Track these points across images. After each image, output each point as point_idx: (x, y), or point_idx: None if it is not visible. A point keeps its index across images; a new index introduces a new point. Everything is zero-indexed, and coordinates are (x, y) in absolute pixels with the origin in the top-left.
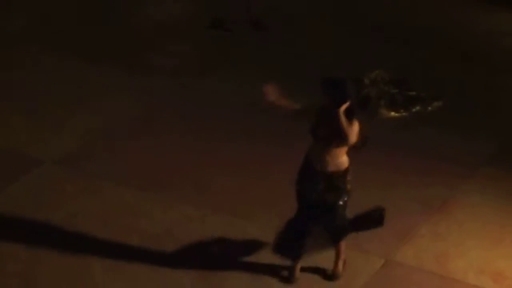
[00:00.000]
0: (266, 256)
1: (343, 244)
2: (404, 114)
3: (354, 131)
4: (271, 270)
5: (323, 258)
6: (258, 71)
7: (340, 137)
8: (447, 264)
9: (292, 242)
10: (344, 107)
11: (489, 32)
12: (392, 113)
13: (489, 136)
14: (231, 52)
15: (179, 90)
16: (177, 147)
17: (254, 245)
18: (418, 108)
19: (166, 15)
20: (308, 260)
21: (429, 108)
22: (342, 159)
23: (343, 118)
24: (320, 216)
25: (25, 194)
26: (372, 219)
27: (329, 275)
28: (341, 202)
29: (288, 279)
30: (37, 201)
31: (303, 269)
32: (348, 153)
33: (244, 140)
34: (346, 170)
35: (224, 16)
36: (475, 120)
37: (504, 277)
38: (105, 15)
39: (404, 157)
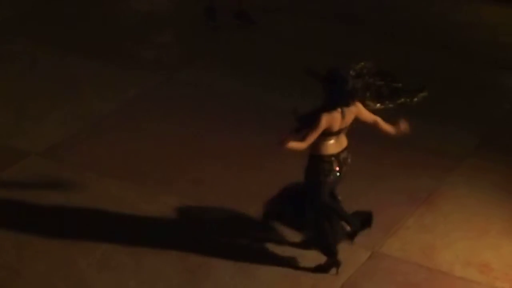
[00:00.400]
0: (252, 247)
1: None
2: (389, 106)
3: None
4: (258, 260)
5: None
6: (244, 62)
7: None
8: (434, 256)
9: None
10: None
11: (471, 23)
12: (378, 105)
13: (474, 127)
14: (217, 43)
15: (164, 81)
16: (162, 139)
17: (241, 236)
18: (403, 100)
19: (151, 7)
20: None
21: (415, 99)
22: (317, 145)
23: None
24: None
25: (11, 187)
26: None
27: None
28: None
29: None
30: (22, 193)
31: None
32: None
33: (230, 131)
34: (319, 157)
35: (215, 6)
36: (459, 112)
37: (491, 268)
38: (89, 7)
39: (389, 149)
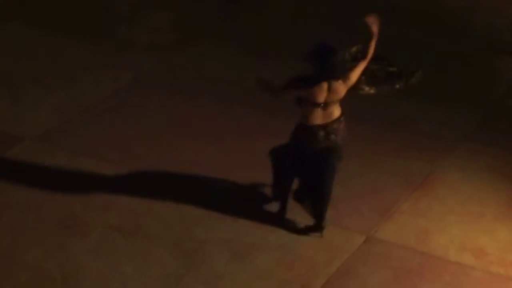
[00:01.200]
0: (247, 232)
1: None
2: (384, 89)
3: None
4: (252, 245)
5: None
6: (238, 44)
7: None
8: (429, 240)
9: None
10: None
11: (468, 7)
12: (373, 89)
13: (470, 111)
14: (211, 26)
15: (159, 65)
16: (156, 123)
17: (236, 221)
18: (398, 83)
19: None
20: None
21: (411, 81)
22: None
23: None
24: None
25: (6, 172)
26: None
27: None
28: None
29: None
30: (17, 178)
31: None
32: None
33: (224, 114)
34: (303, 127)
35: None
36: (455, 95)
37: (485, 253)
38: None
39: (384, 132)
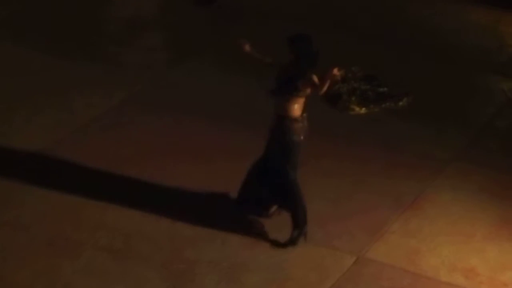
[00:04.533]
0: (237, 252)
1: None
2: (375, 110)
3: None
4: (243, 265)
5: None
6: (228, 63)
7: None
8: (419, 261)
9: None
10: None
11: (459, 28)
12: (363, 109)
13: (459, 131)
14: (201, 45)
15: (150, 84)
16: (147, 142)
17: (226, 241)
18: (389, 104)
19: (136, 11)
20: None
21: (400, 104)
22: (290, 105)
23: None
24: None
25: None
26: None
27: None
28: (287, 150)
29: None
30: (7, 199)
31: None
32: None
33: (216, 132)
34: (292, 119)
35: None
36: (446, 115)
37: (476, 273)
38: (76, 11)
39: (375, 152)
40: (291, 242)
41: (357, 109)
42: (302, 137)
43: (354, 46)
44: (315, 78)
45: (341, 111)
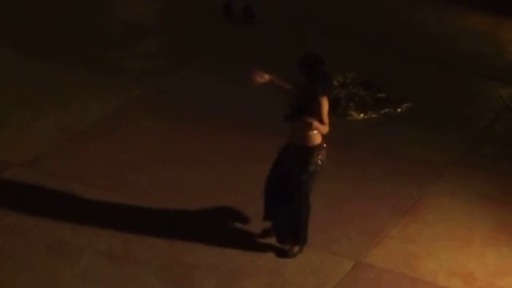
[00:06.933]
0: (236, 257)
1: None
2: (373, 116)
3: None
4: (242, 271)
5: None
6: (228, 69)
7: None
8: (418, 266)
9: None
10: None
11: (455, 34)
12: (362, 115)
13: (458, 136)
14: (201, 51)
15: (148, 91)
16: (145, 148)
17: (225, 246)
18: (387, 109)
19: (135, 17)
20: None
21: (398, 109)
22: (310, 134)
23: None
24: (283, 191)
25: None
26: None
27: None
28: (303, 177)
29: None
30: (5, 204)
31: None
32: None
33: (214, 140)
34: (314, 148)
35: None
36: (444, 120)
37: (474, 278)
38: (73, 16)
39: (373, 157)
40: (291, 256)
41: (355, 114)
42: (321, 164)
43: (353, 52)
44: (324, 102)
45: (340, 117)
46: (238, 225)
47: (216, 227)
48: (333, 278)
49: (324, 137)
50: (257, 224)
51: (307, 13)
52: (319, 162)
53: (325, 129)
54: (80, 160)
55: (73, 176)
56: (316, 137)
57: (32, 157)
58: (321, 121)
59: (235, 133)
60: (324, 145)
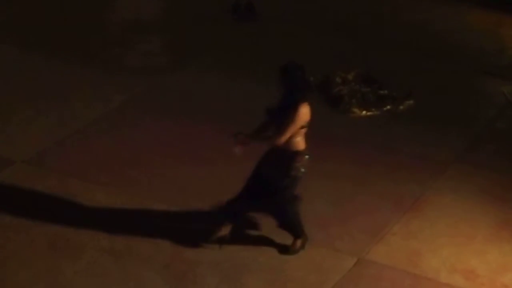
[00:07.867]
0: (238, 254)
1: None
2: (375, 112)
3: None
4: (243, 267)
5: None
6: (229, 66)
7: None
8: (420, 262)
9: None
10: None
11: (457, 31)
12: (364, 112)
13: (460, 133)
14: (202, 48)
15: (150, 88)
16: (148, 145)
17: (227, 243)
18: (389, 106)
19: (137, 14)
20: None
21: (401, 106)
22: (292, 139)
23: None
24: (261, 194)
25: None
26: None
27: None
28: (285, 183)
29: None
30: (8, 201)
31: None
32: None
33: (216, 136)
34: (296, 153)
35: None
36: (446, 117)
37: (476, 275)
38: (76, 14)
39: (376, 154)
40: (293, 252)
41: (357, 111)
42: (303, 170)
43: (355, 49)
44: (302, 108)
45: (342, 114)
46: (240, 221)
47: (217, 224)
48: (335, 274)
49: (324, 135)
50: (259, 221)
51: (309, 11)
52: (301, 168)
53: (278, 139)
54: (82, 157)
55: (75, 173)
56: (299, 144)
57: (34, 154)
58: (278, 130)
59: (237, 129)
60: (307, 156)
